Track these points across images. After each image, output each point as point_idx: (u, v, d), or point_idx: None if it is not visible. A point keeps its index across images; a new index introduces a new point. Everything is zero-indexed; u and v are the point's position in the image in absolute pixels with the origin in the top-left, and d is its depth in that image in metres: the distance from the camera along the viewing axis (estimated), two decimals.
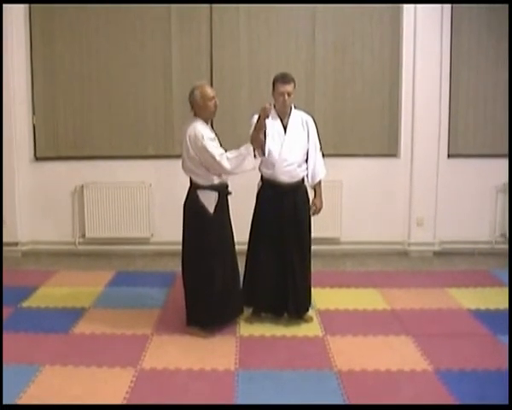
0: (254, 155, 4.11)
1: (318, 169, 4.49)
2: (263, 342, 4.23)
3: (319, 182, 4.54)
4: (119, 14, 6.42)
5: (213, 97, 4.18)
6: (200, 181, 4.18)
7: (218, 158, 4.02)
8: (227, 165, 4.04)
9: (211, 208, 4.18)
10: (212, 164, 4.08)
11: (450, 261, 6.39)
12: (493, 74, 6.44)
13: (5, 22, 6.27)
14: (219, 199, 4.22)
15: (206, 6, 6.36)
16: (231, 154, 4.08)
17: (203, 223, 4.20)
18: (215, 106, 4.20)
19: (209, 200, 4.18)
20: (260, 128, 4.09)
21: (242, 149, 4.08)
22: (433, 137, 6.49)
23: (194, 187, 4.23)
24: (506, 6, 6.02)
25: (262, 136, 4.13)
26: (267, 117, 4.09)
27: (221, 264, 4.28)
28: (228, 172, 4.15)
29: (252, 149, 4.08)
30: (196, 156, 4.09)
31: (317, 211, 4.58)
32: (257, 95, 6.32)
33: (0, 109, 6.28)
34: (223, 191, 4.27)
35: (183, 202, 4.31)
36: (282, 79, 4.27)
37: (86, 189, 6.59)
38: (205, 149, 4.03)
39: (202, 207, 4.18)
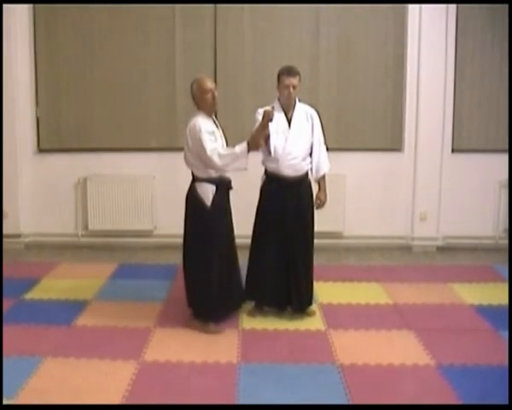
0: (249, 150, 4.05)
1: (322, 163, 4.48)
2: (265, 336, 4.23)
3: (323, 176, 4.53)
4: (122, 10, 6.41)
5: (210, 90, 4.13)
6: (198, 174, 4.18)
7: (208, 153, 4.00)
8: (217, 161, 4.01)
9: (208, 201, 4.16)
10: (204, 157, 4.06)
11: (453, 256, 6.39)
12: (498, 70, 6.42)
13: (9, 16, 6.28)
14: (217, 192, 4.19)
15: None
16: (225, 151, 4.07)
17: (200, 216, 4.20)
18: (213, 98, 4.15)
19: (206, 193, 4.16)
20: (263, 132, 4.07)
21: (237, 148, 4.04)
22: (436, 132, 6.48)
23: (194, 180, 4.24)
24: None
25: (262, 140, 4.10)
26: (270, 121, 4.06)
27: (218, 258, 4.25)
28: (218, 169, 4.10)
29: (246, 149, 4.02)
30: (194, 148, 4.09)
31: (322, 205, 4.57)
32: (260, 90, 6.30)
33: (0, 101, 6.29)
34: (222, 185, 4.23)
35: (185, 195, 4.31)
36: (288, 71, 4.25)
37: (89, 181, 6.59)
38: (200, 142, 4.02)
39: (200, 200, 4.17)
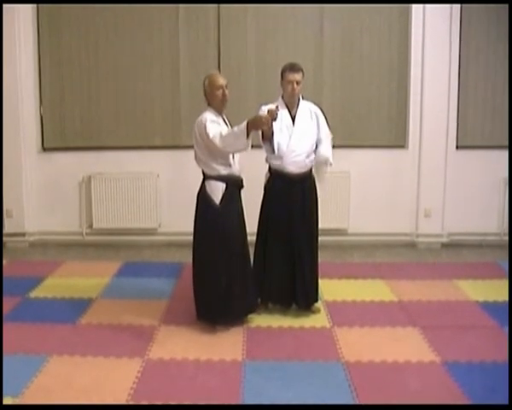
0: (247, 135, 3.88)
1: (327, 151, 4.38)
2: (270, 333, 4.22)
3: (326, 163, 4.43)
4: (126, 9, 6.41)
5: (221, 86, 4.12)
6: (207, 171, 4.15)
7: (211, 136, 3.96)
8: (218, 142, 3.94)
9: (216, 199, 4.11)
10: (209, 143, 4.00)
11: (457, 253, 6.37)
12: (502, 66, 6.39)
13: (13, 13, 6.28)
14: (227, 190, 4.14)
15: None
16: (226, 132, 4.01)
17: (208, 214, 4.15)
18: (223, 95, 4.14)
19: (215, 190, 4.13)
20: (266, 123, 4.01)
21: (236, 127, 3.96)
22: (441, 129, 6.46)
23: (204, 178, 4.21)
24: None
25: (265, 125, 3.99)
26: (274, 120, 4.02)
27: (226, 258, 4.17)
28: (221, 150, 4.00)
29: (246, 128, 3.85)
30: (201, 141, 4.06)
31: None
32: (264, 87, 6.30)
33: (0, 100, 6.31)
34: (232, 183, 4.18)
35: (190, 193, 4.32)
36: (291, 67, 4.27)
37: (94, 179, 6.60)
38: (204, 129, 3.99)
39: (208, 198, 4.13)
